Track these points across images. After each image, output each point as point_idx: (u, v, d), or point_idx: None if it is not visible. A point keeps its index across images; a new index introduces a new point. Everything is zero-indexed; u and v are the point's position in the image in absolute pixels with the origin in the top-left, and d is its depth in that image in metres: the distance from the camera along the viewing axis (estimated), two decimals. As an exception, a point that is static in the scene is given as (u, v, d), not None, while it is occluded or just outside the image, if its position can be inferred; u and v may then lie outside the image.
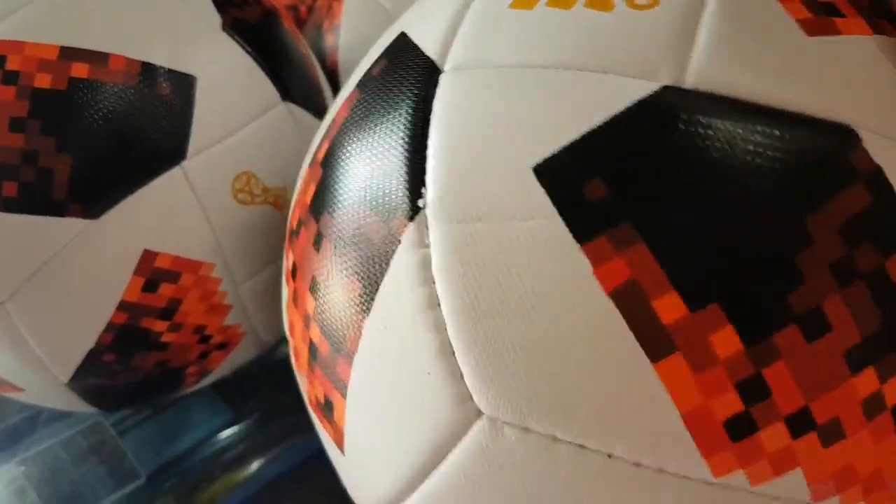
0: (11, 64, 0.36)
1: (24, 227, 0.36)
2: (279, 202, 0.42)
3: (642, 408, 0.21)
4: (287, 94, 0.44)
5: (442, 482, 0.23)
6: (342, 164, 0.26)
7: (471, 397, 0.22)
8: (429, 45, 0.26)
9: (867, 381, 0.21)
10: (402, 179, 0.24)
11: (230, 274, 0.41)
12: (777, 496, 0.21)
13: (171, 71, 0.38)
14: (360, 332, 0.24)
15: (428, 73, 0.25)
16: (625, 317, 0.20)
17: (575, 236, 0.21)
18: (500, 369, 0.22)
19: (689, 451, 0.21)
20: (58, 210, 0.36)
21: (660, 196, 0.21)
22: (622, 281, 0.20)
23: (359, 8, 0.59)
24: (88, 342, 0.39)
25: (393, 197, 0.24)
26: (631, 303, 0.20)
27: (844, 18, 0.23)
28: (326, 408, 0.27)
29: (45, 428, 0.50)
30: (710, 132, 0.21)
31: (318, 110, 0.46)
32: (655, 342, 0.20)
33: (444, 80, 0.25)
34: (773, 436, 0.20)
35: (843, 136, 0.21)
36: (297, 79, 0.46)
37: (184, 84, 0.39)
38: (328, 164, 0.27)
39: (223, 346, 0.44)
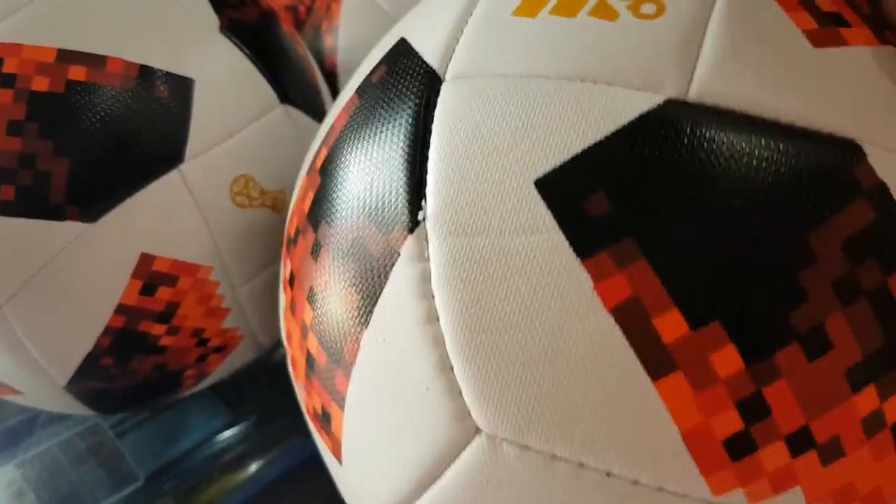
0: (9, 67, 0.36)
1: (21, 231, 0.36)
2: (277, 205, 0.42)
3: (642, 426, 0.20)
4: (285, 96, 0.43)
5: (439, 498, 0.23)
6: (341, 172, 0.26)
7: (469, 413, 0.22)
8: (429, 52, 0.26)
9: (868, 399, 0.20)
10: (401, 191, 0.23)
11: (228, 277, 0.41)
12: (776, 514, 0.21)
13: (168, 74, 0.38)
14: (359, 345, 0.24)
15: (428, 82, 0.25)
16: (625, 334, 0.20)
17: (576, 251, 0.21)
18: (499, 385, 0.21)
19: (689, 470, 0.20)
20: (55, 213, 0.36)
21: (662, 212, 0.20)
22: (623, 298, 0.20)
23: (357, 9, 0.58)
24: (86, 345, 0.39)
25: (392, 208, 0.24)
26: (632, 320, 0.20)
27: (850, 28, 0.23)
28: (324, 419, 0.27)
29: (43, 430, 0.50)
30: (713, 146, 0.20)
31: (317, 112, 0.46)
32: (656, 360, 0.20)
33: (444, 89, 0.24)
34: (773, 455, 0.20)
35: (847, 151, 0.21)
36: (295, 81, 0.45)
37: (182, 87, 0.38)
38: (326, 172, 0.27)
39: (221, 349, 0.44)
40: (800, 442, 0.20)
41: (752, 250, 0.20)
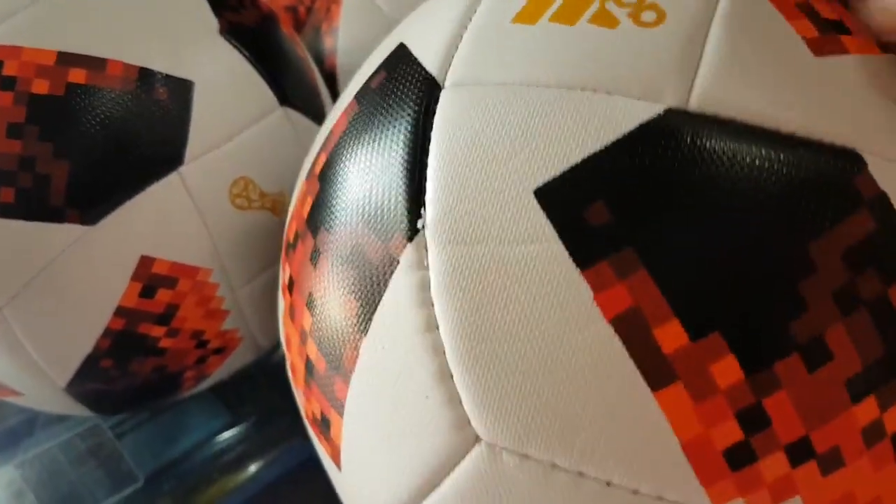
0: (9, 69, 0.36)
1: (21, 233, 0.36)
2: (277, 207, 0.42)
3: (642, 436, 0.20)
4: (285, 98, 0.43)
5: (439, 506, 0.23)
6: (340, 179, 0.26)
7: (469, 422, 0.22)
8: (429, 58, 0.25)
9: (868, 409, 0.20)
10: (400, 198, 0.23)
11: (227, 279, 0.41)
12: (776, 524, 0.21)
13: (168, 76, 0.38)
14: (358, 352, 0.24)
15: (428, 89, 0.25)
16: (625, 344, 0.20)
17: (576, 261, 0.20)
18: (499, 394, 0.21)
19: (689, 480, 0.20)
20: (55, 216, 0.36)
21: (662, 221, 0.20)
22: (623, 308, 0.20)
23: (357, 11, 0.58)
24: (86, 347, 0.39)
25: (391, 216, 0.23)
26: (632, 330, 0.20)
27: (851, 36, 0.23)
28: (323, 424, 0.27)
29: (42, 430, 0.50)
30: (714, 156, 0.20)
31: (316, 114, 0.46)
32: (656, 371, 0.20)
33: (444, 97, 0.24)
34: (773, 465, 0.20)
35: (848, 161, 0.20)
36: (294, 83, 0.45)
37: (181, 89, 0.38)
38: (325, 178, 0.27)
39: (220, 351, 0.44)
40: (800, 452, 0.20)
41: (753, 260, 0.20)
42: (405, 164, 0.24)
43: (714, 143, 0.20)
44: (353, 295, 0.24)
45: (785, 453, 0.20)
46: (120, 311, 0.38)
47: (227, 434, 0.51)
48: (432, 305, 0.22)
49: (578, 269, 0.20)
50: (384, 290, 0.23)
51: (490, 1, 0.26)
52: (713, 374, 0.20)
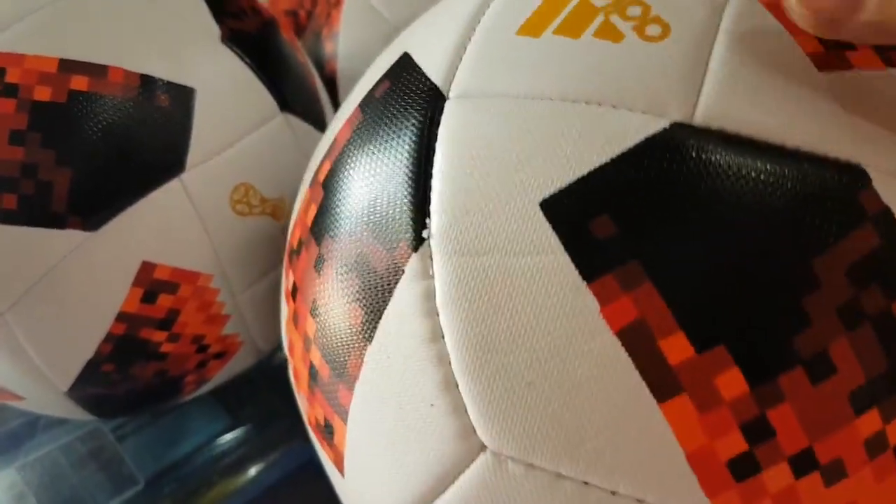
0: (11, 76, 0.35)
1: (23, 239, 0.36)
2: (277, 212, 0.42)
3: (647, 447, 0.20)
4: (285, 104, 0.43)
5: (443, 514, 0.23)
6: (344, 187, 0.26)
7: (474, 431, 0.22)
8: (433, 69, 0.25)
9: (870, 421, 0.20)
10: (406, 208, 0.23)
11: (228, 284, 0.41)
12: (779, 534, 0.21)
13: (170, 83, 0.38)
14: (363, 360, 0.24)
15: (432, 99, 0.24)
16: (631, 356, 0.20)
17: (581, 274, 0.20)
18: (505, 404, 0.21)
19: (693, 491, 0.20)
20: (57, 222, 0.36)
21: (668, 235, 0.20)
22: (629, 320, 0.20)
23: (357, 16, 0.58)
24: (87, 352, 0.39)
25: (396, 225, 0.23)
26: (638, 342, 0.20)
27: (855, 51, 0.23)
28: (326, 430, 0.26)
29: (44, 433, 0.49)
30: (719, 170, 0.20)
31: (316, 120, 0.46)
32: (662, 383, 0.20)
33: (448, 108, 0.24)
34: (776, 476, 0.20)
35: (852, 176, 0.20)
36: (295, 89, 0.45)
37: (183, 96, 0.38)
38: (329, 185, 0.26)
39: (221, 356, 0.44)
40: (803, 463, 0.20)
41: (757, 274, 0.20)
42: (410, 174, 0.23)
43: (719, 157, 0.20)
44: (358, 303, 0.24)
45: (788, 464, 0.20)
46: (121, 317, 0.38)
47: (227, 437, 0.50)
48: (437, 315, 0.22)
49: (584, 282, 0.20)
50: (389, 299, 0.23)
51: (494, 12, 0.25)
52: (718, 386, 0.19)
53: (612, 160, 0.21)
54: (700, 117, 0.21)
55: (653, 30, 0.22)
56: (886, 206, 0.20)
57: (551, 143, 0.21)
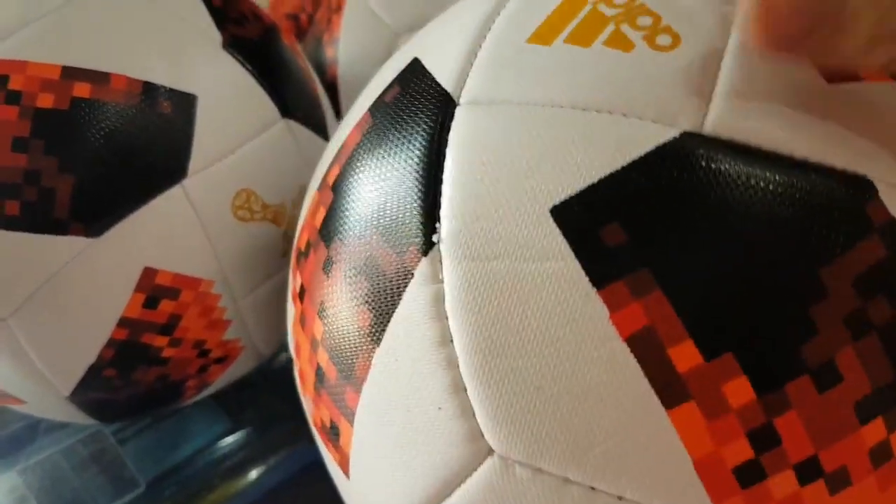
0: (14, 84, 0.35)
1: (26, 245, 0.35)
2: (278, 218, 0.41)
3: (655, 453, 0.20)
4: (287, 110, 0.42)
5: (449, 517, 0.23)
6: (354, 191, 0.25)
7: (482, 434, 0.21)
8: (443, 75, 0.25)
9: (875, 430, 0.20)
10: (416, 212, 0.23)
11: (230, 290, 0.40)
12: (784, 540, 0.20)
13: (172, 90, 0.37)
14: (370, 362, 0.23)
15: (443, 105, 0.24)
16: (640, 363, 0.20)
17: (591, 280, 0.20)
18: (513, 409, 0.21)
19: (700, 497, 0.20)
20: (60, 229, 0.35)
21: (677, 243, 0.20)
22: (639, 328, 0.20)
23: (358, 22, 0.57)
24: (90, 357, 0.38)
25: (406, 229, 0.23)
26: (647, 350, 0.20)
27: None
28: (332, 432, 0.26)
29: (45, 436, 0.49)
30: (728, 180, 0.20)
31: (317, 126, 0.46)
32: (670, 390, 0.19)
33: (459, 114, 0.24)
34: (782, 483, 0.20)
35: (860, 188, 0.20)
36: (296, 95, 0.45)
37: (185, 103, 0.38)
38: (339, 189, 0.26)
39: (222, 360, 0.43)
40: (808, 471, 0.20)
41: (765, 283, 0.19)
42: (420, 179, 0.23)
43: (728, 166, 0.20)
44: (367, 305, 0.24)
45: (794, 472, 0.20)
46: (123, 322, 0.38)
47: (228, 440, 0.50)
48: (447, 319, 0.22)
49: (595, 289, 0.20)
50: (398, 302, 0.23)
51: (505, 20, 0.25)
52: (726, 393, 0.19)
53: (623, 168, 0.20)
54: (710, 127, 0.21)
55: (663, 39, 0.22)
56: (893, 218, 0.20)
57: (562, 151, 0.21)
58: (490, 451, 0.21)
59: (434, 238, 0.22)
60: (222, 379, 0.45)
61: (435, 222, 0.22)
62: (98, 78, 0.36)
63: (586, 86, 0.22)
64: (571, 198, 0.21)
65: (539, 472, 0.21)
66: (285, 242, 0.42)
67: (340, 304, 0.25)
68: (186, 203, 0.38)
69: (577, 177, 0.21)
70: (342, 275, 0.25)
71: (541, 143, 0.22)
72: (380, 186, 0.24)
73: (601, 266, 0.20)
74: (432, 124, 0.24)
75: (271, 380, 0.51)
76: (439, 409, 0.22)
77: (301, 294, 0.28)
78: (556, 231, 0.21)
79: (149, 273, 0.37)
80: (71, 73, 0.35)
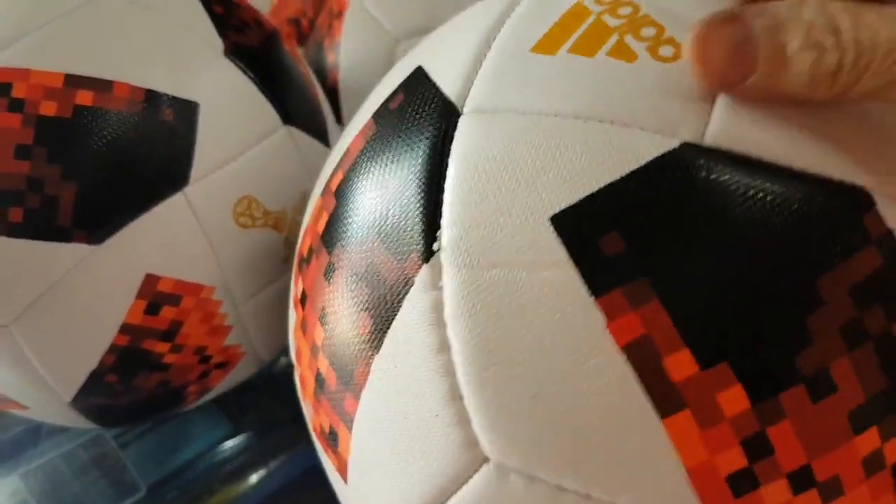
0: (17, 91, 0.35)
1: (29, 252, 0.36)
2: (279, 224, 0.42)
3: (649, 461, 0.20)
4: (288, 117, 0.43)
5: (444, 524, 0.23)
6: (357, 197, 0.25)
7: (478, 442, 0.21)
8: (447, 84, 0.25)
9: (869, 440, 0.20)
10: (417, 220, 0.23)
11: (231, 296, 0.40)
12: (777, 548, 0.20)
13: (174, 98, 0.38)
14: (369, 369, 0.24)
15: (446, 114, 0.24)
16: (636, 372, 0.20)
17: (589, 289, 0.20)
18: (509, 417, 0.21)
19: (693, 504, 0.20)
20: (62, 236, 0.35)
21: (675, 253, 0.20)
22: (635, 336, 0.20)
23: (359, 27, 0.58)
24: (91, 363, 0.39)
25: (408, 237, 0.23)
26: (643, 358, 0.20)
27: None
28: (331, 438, 0.26)
29: (46, 440, 0.49)
30: (727, 191, 0.20)
31: (319, 132, 0.46)
32: (665, 398, 0.20)
33: (462, 123, 0.24)
34: (775, 492, 0.20)
35: (857, 199, 0.20)
36: (297, 102, 0.45)
37: (187, 111, 0.38)
38: (342, 195, 0.26)
39: (223, 366, 0.43)
40: (801, 480, 0.20)
41: (763, 294, 0.20)
42: (423, 187, 0.23)
43: (727, 177, 0.20)
44: (367, 312, 0.24)
45: (787, 481, 0.20)
46: (125, 328, 0.38)
47: (228, 444, 0.50)
48: (445, 326, 0.22)
49: (592, 297, 0.20)
50: (398, 309, 0.23)
51: (509, 29, 0.25)
52: (720, 402, 0.19)
53: (623, 178, 0.21)
54: (710, 138, 0.21)
55: (666, 51, 0.22)
56: (890, 229, 0.20)
57: (563, 160, 0.21)
58: (486, 459, 0.21)
59: (435, 246, 0.22)
60: (223, 384, 0.45)
61: (436, 230, 0.22)
62: (101, 86, 0.36)
63: (589, 95, 0.22)
64: (571, 207, 0.21)
65: (534, 479, 0.21)
66: (286, 248, 0.42)
67: (341, 310, 0.25)
68: (188, 210, 0.38)
69: (577, 186, 0.21)
70: (343, 281, 0.25)
71: (542, 152, 0.22)
72: (382, 193, 0.24)
73: (599, 275, 0.20)
74: (435, 133, 0.24)
75: (272, 384, 0.51)
76: (436, 416, 0.22)
77: (303, 300, 0.28)
78: (556, 240, 0.21)
79: (150, 280, 0.37)
80: (74, 81, 0.36)
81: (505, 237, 0.21)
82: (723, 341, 0.19)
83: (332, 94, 0.57)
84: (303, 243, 0.29)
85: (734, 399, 0.19)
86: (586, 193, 0.21)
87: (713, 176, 0.20)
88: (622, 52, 0.23)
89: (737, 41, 0.20)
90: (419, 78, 0.26)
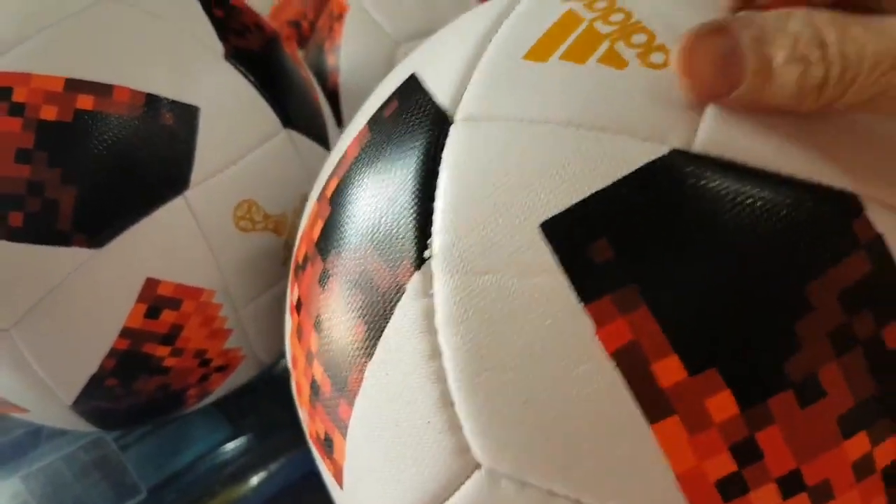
0: (18, 96, 0.35)
1: (29, 256, 0.36)
2: (279, 228, 0.42)
3: (638, 467, 0.20)
4: (288, 121, 0.43)
5: (437, 529, 0.23)
6: (351, 204, 0.26)
7: (469, 449, 0.22)
8: (440, 91, 0.25)
9: (858, 444, 0.20)
10: (409, 227, 0.23)
11: (231, 299, 0.41)
12: (767, 553, 0.21)
13: (174, 102, 0.38)
14: (363, 375, 0.24)
15: (439, 122, 0.24)
16: (625, 378, 0.20)
17: (579, 296, 0.20)
18: (500, 423, 0.21)
19: (682, 509, 0.20)
20: (63, 240, 0.36)
21: (664, 260, 0.20)
22: (624, 343, 0.20)
23: (359, 30, 0.58)
24: (91, 367, 0.39)
25: (400, 244, 0.23)
26: (631, 365, 0.20)
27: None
28: (326, 444, 0.27)
29: (47, 443, 0.50)
30: (716, 197, 0.20)
31: (319, 135, 0.46)
32: (654, 404, 0.20)
33: (454, 131, 0.24)
34: (764, 496, 0.20)
35: (846, 204, 0.20)
36: (298, 105, 0.45)
37: (187, 115, 0.38)
38: (336, 202, 0.27)
39: (223, 369, 0.44)
40: (791, 485, 0.20)
41: (751, 300, 0.20)
42: (415, 194, 0.24)
43: (716, 184, 0.20)
44: (361, 319, 0.24)
45: (776, 485, 0.20)
46: (125, 332, 0.38)
47: (229, 446, 0.50)
48: (437, 333, 0.22)
49: (582, 304, 0.20)
50: (390, 316, 0.23)
51: (502, 37, 0.26)
52: (709, 408, 0.20)
53: (612, 185, 0.21)
54: (699, 145, 0.21)
55: (657, 57, 0.23)
56: (879, 234, 0.20)
57: (553, 167, 0.22)
58: (477, 465, 0.22)
59: (426, 253, 0.23)
60: (223, 387, 0.46)
61: (427, 237, 0.23)
62: (101, 90, 0.36)
63: (579, 102, 0.22)
64: (561, 213, 0.21)
65: (525, 485, 0.21)
66: (286, 252, 0.43)
67: (335, 316, 0.25)
68: (188, 214, 0.38)
69: (566, 193, 0.21)
70: (337, 288, 0.25)
71: (532, 159, 0.22)
72: (376, 201, 0.25)
73: (588, 281, 0.20)
74: (428, 140, 0.24)
75: (272, 386, 0.52)
76: (428, 422, 0.22)
77: (298, 306, 0.28)
78: (545, 246, 0.21)
79: (151, 284, 0.38)
80: (74, 86, 0.36)
81: (495, 244, 0.22)
82: (711, 347, 0.20)
83: (333, 96, 0.57)
84: (299, 250, 0.29)
85: (723, 405, 0.20)
86: (576, 200, 0.21)
87: (702, 182, 0.20)
88: (613, 59, 0.23)
89: (724, 53, 0.20)
90: (413, 86, 0.27)
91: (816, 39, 0.19)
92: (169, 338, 0.39)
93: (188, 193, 0.38)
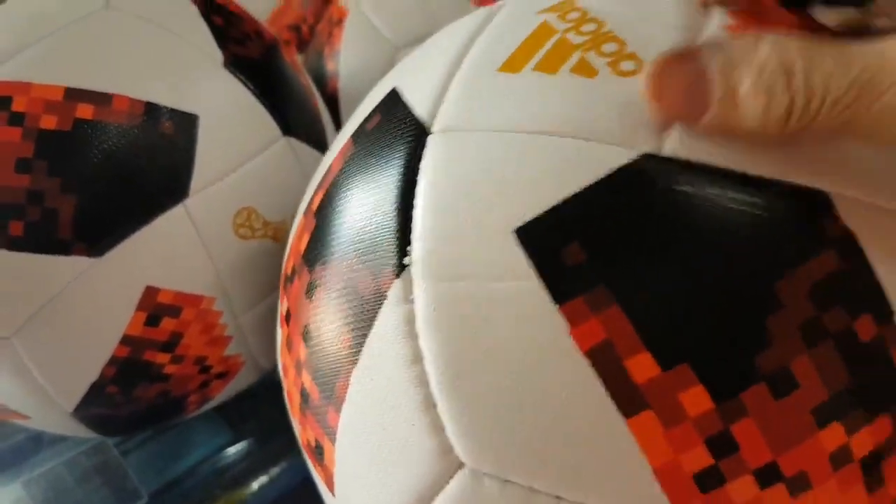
0: (17, 105, 0.36)
1: (29, 265, 0.36)
2: (279, 235, 0.43)
3: (616, 461, 0.21)
4: (288, 128, 0.44)
5: (424, 529, 0.24)
6: (335, 216, 0.27)
7: (452, 449, 0.23)
8: (418, 104, 0.27)
9: (834, 435, 0.21)
10: (390, 237, 0.24)
11: (230, 306, 0.41)
12: (746, 544, 0.21)
13: (173, 110, 0.39)
14: (349, 382, 0.25)
15: (417, 134, 0.26)
16: (599, 375, 0.21)
17: (553, 298, 0.21)
18: (481, 423, 0.22)
19: (661, 503, 0.21)
20: (63, 249, 0.36)
21: (634, 260, 0.21)
22: (597, 341, 0.21)
23: (359, 35, 0.59)
24: (92, 375, 0.39)
25: (381, 253, 0.24)
26: (605, 362, 0.21)
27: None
28: (317, 451, 0.28)
29: (48, 448, 0.50)
30: (685, 199, 0.21)
31: (318, 142, 0.47)
32: (628, 399, 0.21)
33: (431, 142, 0.25)
34: (742, 488, 0.21)
35: (815, 202, 0.21)
36: (297, 112, 0.46)
37: (186, 123, 0.39)
38: (321, 215, 0.28)
39: (223, 375, 0.44)
40: (767, 476, 0.21)
41: (721, 297, 0.21)
42: (395, 204, 0.25)
43: (686, 186, 0.21)
44: (346, 327, 0.25)
45: (753, 476, 0.21)
46: (125, 340, 0.39)
47: (229, 451, 0.51)
48: (417, 338, 0.23)
49: (555, 305, 0.21)
50: (373, 323, 0.24)
51: (479, 50, 0.27)
52: (682, 402, 0.20)
53: (583, 190, 0.22)
54: (669, 149, 0.22)
55: (627, 65, 0.23)
56: (849, 230, 0.21)
57: (526, 175, 0.23)
58: (461, 465, 0.23)
59: (406, 260, 0.24)
60: (223, 393, 0.46)
61: (407, 246, 0.24)
62: (100, 99, 0.37)
63: (551, 111, 0.23)
64: (534, 219, 0.22)
65: (507, 483, 0.22)
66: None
67: (322, 326, 0.26)
68: (188, 222, 0.39)
69: (539, 200, 0.22)
70: (324, 297, 0.26)
71: (506, 167, 0.23)
72: (359, 212, 0.26)
73: (562, 284, 0.21)
74: (408, 152, 0.25)
75: (273, 391, 0.51)
76: (412, 425, 0.23)
77: (287, 318, 0.29)
78: (520, 252, 0.22)
79: (150, 292, 0.38)
80: (74, 95, 0.37)
81: (472, 250, 0.23)
82: (682, 343, 0.21)
83: (332, 101, 0.58)
84: (287, 263, 0.30)
85: (696, 399, 0.20)
86: (548, 206, 0.22)
87: (671, 185, 0.21)
88: (584, 69, 0.24)
89: (691, 80, 0.21)
90: (394, 99, 0.28)
91: (783, 67, 0.20)
92: (169, 345, 0.40)
93: (188, 202, 0.38)
